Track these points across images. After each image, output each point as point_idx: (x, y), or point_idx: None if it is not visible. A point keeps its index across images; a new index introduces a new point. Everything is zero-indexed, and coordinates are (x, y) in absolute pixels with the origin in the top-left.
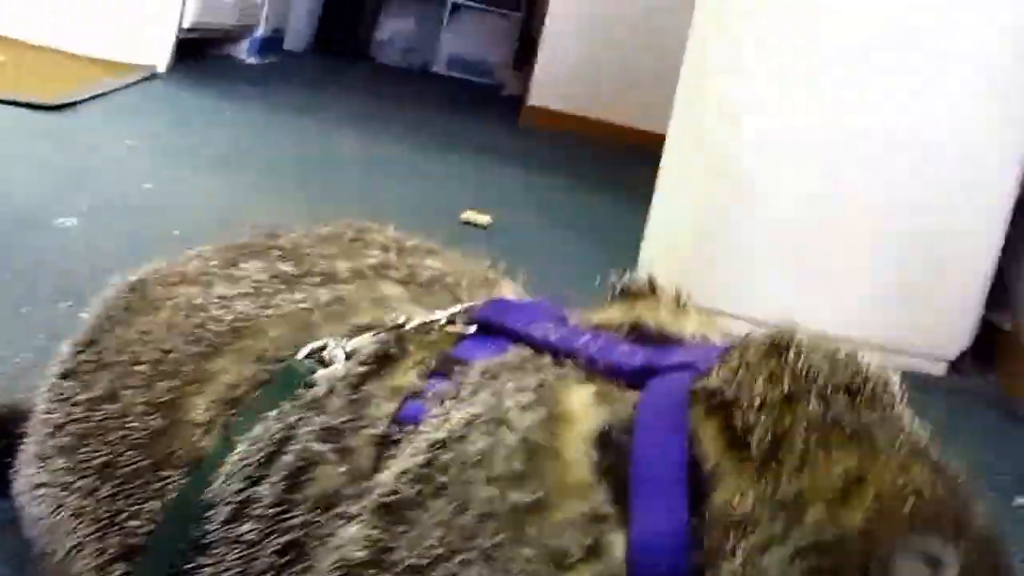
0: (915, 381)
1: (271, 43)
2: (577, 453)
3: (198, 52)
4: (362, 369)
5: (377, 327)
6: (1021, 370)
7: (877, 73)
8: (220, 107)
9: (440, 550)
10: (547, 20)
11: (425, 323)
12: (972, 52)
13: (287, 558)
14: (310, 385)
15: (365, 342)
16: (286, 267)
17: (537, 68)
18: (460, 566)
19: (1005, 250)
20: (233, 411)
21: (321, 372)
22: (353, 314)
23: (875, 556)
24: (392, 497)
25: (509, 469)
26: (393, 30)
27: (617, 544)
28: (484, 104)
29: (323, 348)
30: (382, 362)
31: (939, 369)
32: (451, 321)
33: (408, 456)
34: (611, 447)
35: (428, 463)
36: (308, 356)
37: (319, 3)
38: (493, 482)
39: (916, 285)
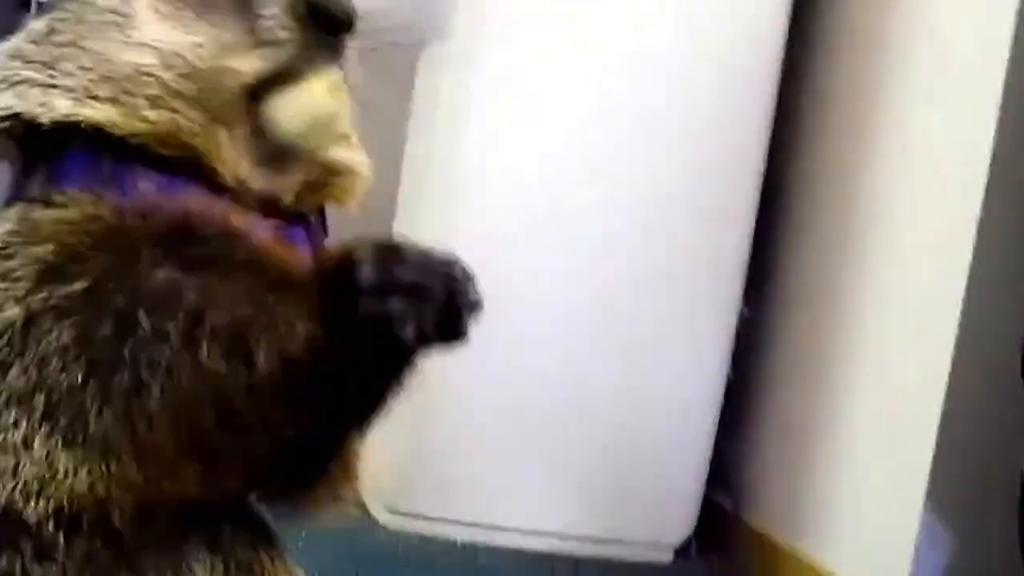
0: (640, 572)
1: None
2: None
3: None
4: None
5: None
6: (743, 553)
7: (595, 263)
8: None
9: None
10: None
11: None
12: (676, 242)
13: None
14: None
15: None
16: None
17: None
18: None
19: (722, 428)
20: None
21: None
22: None
23: None
24: None
25: None
26: None
27: None
28: None
29: None
30: None
31: (665, 557)
32: None
33: None
34: None
35: None
36: None
37: None
38: None
39: (633, 473)
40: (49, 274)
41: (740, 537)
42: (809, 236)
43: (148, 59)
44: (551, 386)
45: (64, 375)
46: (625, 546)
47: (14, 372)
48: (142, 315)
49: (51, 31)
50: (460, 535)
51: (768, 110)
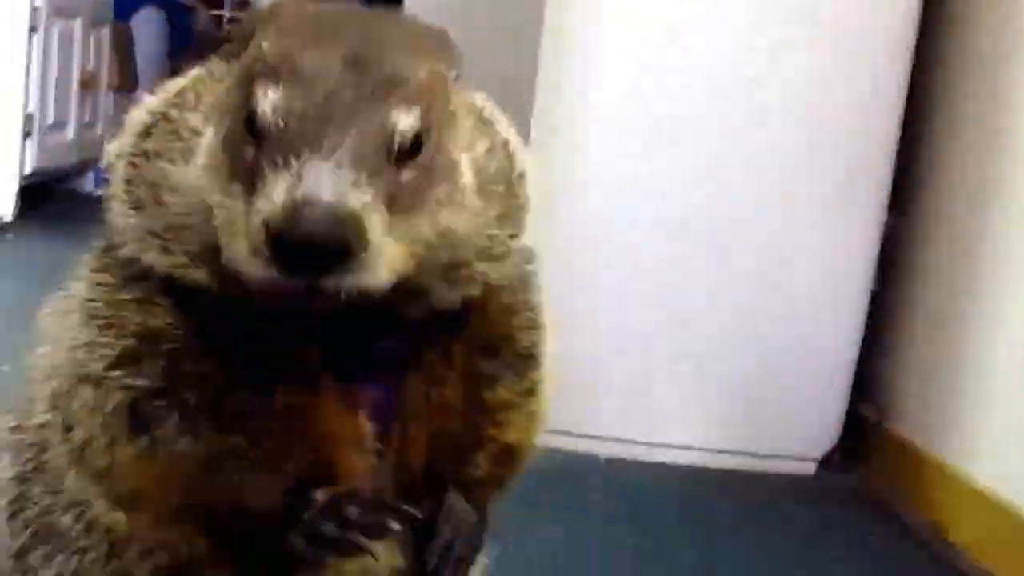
0: (783, 484)
1: None
2: None
3: (43, 191)
4: None
5: None
6: (888, 463)
7: (728, 174)
8: (69, 256)
9: None
10: None
11: None
12: (821, 149)
13: None
14: None
15: None
16: None
17: None
18: None
19: (867, 339)
20: None
21: None
22: None
23: None
24: None
25: None
26: None
27: None
28: None
29: None
30: None
31: (807, 469)
32: None
33: None
34: None
35: None
36: None
37: None
38: None
39: (777, 386)
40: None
41: (884, 448)
42: (954, 140)
43: None
44: (694, 302)
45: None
46: (768, 459)
47: None
48: None
49: None
50: (603, 451)
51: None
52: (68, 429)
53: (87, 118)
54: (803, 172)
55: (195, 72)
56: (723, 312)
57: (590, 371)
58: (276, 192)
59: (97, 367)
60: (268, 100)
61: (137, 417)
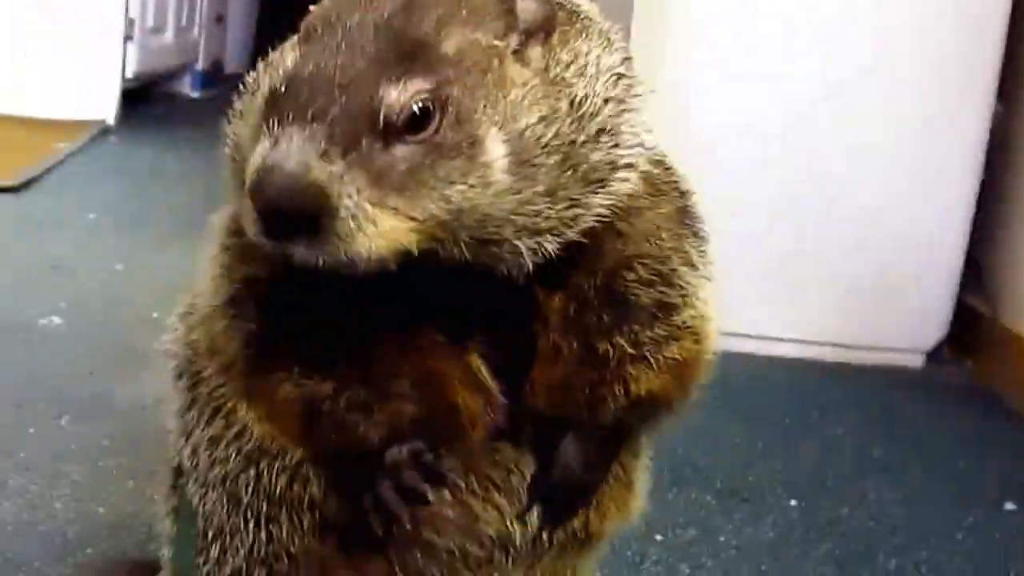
0: (892, 376)
1: (212, 75)
2: None
3: (143, 95)
4: None
5: None
6: (999, 355)
7: (838, 68)
8: (171, 159)
9: None
10: None
11: None
12: (928, 40)
13: None
14: None
15: None
16: None
17: None
18: None
19: (978, 232)
20: None
21: None
22: None
23: None
24: None
25: None
26: None
27: None
28: None
29: None
30: None
31: (916, 361)
32: None
33: None
34: None
35: None
36: None
37: (253, 26)
38: None
39: (886, 277)
40: None
41: (993, 340)
42: None
43: None
44: (806, 197)
45: None
46: (878, 351)
47: None
48: None
49: None
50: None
51: None
52: (211, 352)
53: (184, 22)
54: (910, 63)
55: None
56: (831, 207)
57: None
58: (253, 157)
59: (218, 302)
60: (285, 63)
61: (251, 354)
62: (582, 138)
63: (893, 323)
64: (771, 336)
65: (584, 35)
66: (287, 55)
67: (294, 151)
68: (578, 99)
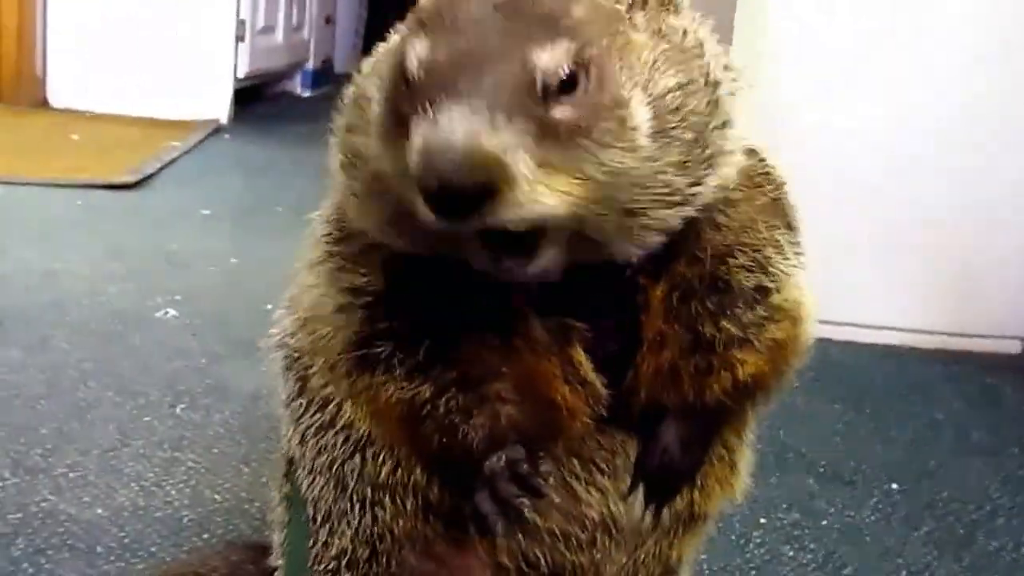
0: (990, 361)
1: (322, 74)
2: None
3: (256, 94)
4: None
5: None
6: None
7: (934, 61)
8: (283, 155)
9: None
10: None
11: None
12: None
13: None
14: None
15: None
16: None
17: None
18: None
19: None
20: None
21: None
22: None
23: None
24: None
25: None
26: None
27: None
28: None
29: None
30: None
31: (1014, 347)
32: None
33: None
34: None
35: None
36: None
37: (362, 26)
38: None
39: (980, 265)
40: None
41: None
42: None
43: None
44: (900, 184)
45: None
46: (976, 338)
47: None
48: None
49: None
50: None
51: None
52: (315, 353)
53: (294, 22)
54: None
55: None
56: (930, 194)
57: (807, 264)
58: (415, 141)
59: (325, 311)
60: (415, 51)
61: (355, 359)
62: (709, 115)
63: (990, 310)
64: (872, 324)
65: (676, 10)
66: (408, 48)
67: (459, 125)
68: (708, 73)
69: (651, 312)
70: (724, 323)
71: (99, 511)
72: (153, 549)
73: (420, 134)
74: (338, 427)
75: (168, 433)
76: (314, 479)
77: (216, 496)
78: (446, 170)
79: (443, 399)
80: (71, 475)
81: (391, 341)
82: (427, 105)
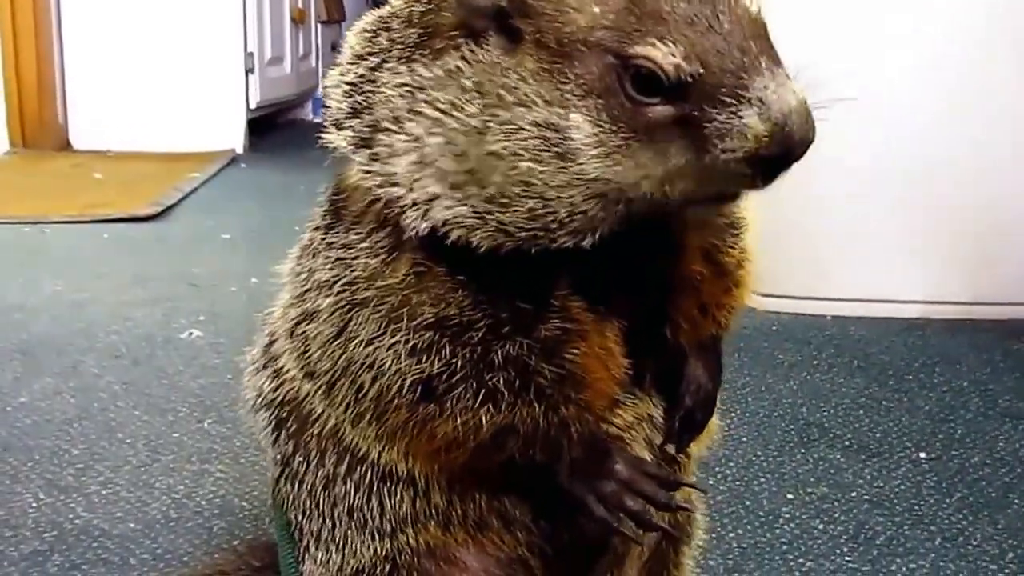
0: (1013, 327)
1: None
2: None
3: (269, 123)
4: None
5: None
6: None
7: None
8: (298, 179)
9: None
10: None
11: None
12: None
13: None
14: None
15: None
16: None
17: None
18: None
19: None
20: None
21: None
22: None
23: None
24: None
25: None
26: None
27: None
28: None
29: None
30: None
31: None
32: None
33: None
34: None
35: None
36: None
37: None
38: None
39: (999, 233)
40: None
41: None
42: None
43: None
44: (916, 157)
45: None
46: (998, 306)
47: None
48: None
49: None
50: (830, 310)
51: None
52: (358, 390)
53: (301, 51)
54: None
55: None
56: (945, 163)
57: (814, 236)
58: (773, 112)
59: (386, 360)
60: (668, 56)
61: (427, 392)
62: None
63: (1011, 277)
64: (893, 299)
65: None
66: (641, 59)
67: (799, 91)
68: None
69: (687, 255)
70: (730, 249)
71: (131, 525)
72: (185, 559)
73: (775, 105)
74: (355, 475)
75: (196, 447)
76: (334, 526)
77: (245, 504)
78: (808, 130)
79: (531, 421)
80: (103, 492)
81: (460, 371)
82: (735, 89)
